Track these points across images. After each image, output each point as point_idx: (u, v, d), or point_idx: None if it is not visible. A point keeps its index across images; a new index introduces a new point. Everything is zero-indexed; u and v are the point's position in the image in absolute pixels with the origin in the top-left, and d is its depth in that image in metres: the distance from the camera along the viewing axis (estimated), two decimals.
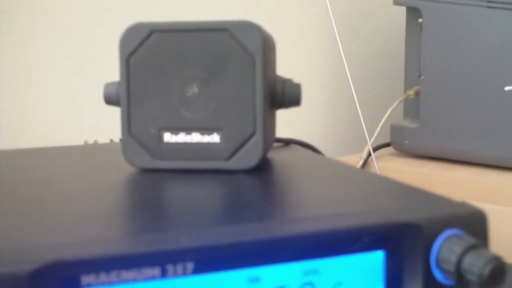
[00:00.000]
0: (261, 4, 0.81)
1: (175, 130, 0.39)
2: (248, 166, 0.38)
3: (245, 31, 0.38)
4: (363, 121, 0.70)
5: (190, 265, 0.24)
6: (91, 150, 0.49)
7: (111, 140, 0.58)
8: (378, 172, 0.68)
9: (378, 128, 0.72)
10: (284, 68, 0.55)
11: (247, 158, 0.39)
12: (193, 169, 0.39)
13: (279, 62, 0.45)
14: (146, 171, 0.39)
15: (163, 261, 0.24)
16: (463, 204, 0.30)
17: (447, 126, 0.68)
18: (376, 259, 0.28)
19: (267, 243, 0.26)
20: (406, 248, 0.28)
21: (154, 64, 0.38)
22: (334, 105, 0.89)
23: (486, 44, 0.64)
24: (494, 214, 0.39)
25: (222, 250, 0.25)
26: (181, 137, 0.39)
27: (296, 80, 0.42)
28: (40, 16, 0.64)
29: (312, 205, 0.31)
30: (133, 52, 0.38)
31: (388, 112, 0.72)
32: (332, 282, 0.27)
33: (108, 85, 0.40)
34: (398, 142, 0.72)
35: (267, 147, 0.40)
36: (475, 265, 0.26)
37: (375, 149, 0.73)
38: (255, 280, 0.26)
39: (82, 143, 0.57)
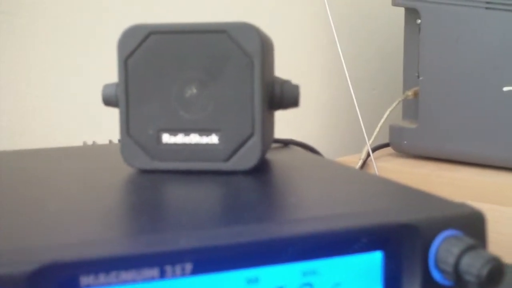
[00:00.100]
0: (260, 4, 0.81)
1: (173, 131, 0.39)
2: (246, 167, 0.39)
3: (244, 32, 0.38)
4: (362, 121, 0.70)
5: (188, 266, 0.24)
6: (90, 151, 0.49)
7: (110, 141, 0.58)
8: (377, 172, 0.68)
9: (377, 129, 0.72)
10: (283, 68, 0.55)
11: (246, 159, 0.39)
12: (191, 170, 0.39)
13: (277, 62, 0.45)
14: (144, 172, 0.39)
15: (162, 262, 0.24)
16: (462, 205, 0.30)
17: (446, 127, 0.68)
18: (374, 259, 0.28)
19: (266, 243, 0.26)
20: (404, 249, 0.28)
21: (153, 65, 0.38)
22: (333, 105, 0.89)
23: (484, 45, 0.64)
24: (493, 215, 0.39)
25: (221, 251, 0.25)
26: (180, 138, 0.39)
27: (294, 80, 0.43)
28: (40, 16, 0.64)
29: (310, 206, 0.31)
30: (131, 54, 0.38)
31: (387, 113, 0.72)
32: (331, 283, 0.27)
33: (106, 87, 0.40)
34: (397, 143, 0.72)
35: (265, 148, 0.40)
36: (473, 265, 0.26)
37: (374, 149, 0.73)
38: (253, 280, 0.26)
39: (81, 143, 0.57)
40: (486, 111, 0.65)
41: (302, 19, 0.85)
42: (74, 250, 0.24)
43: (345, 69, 0.71)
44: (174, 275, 0.24)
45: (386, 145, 0.75)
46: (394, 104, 0.72)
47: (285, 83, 0.41)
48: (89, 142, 0.57)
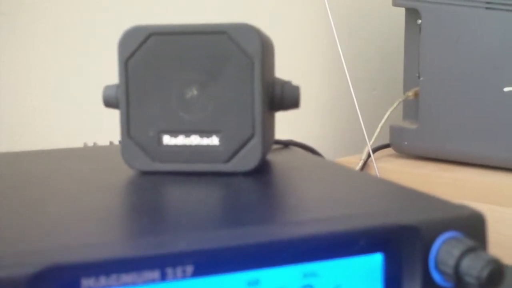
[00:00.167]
0: (260, 5, 0.81)
1: (174, 133, 0.39)
2: (247, 168, 0.39)
3: (244, 33, 0.38)
4: (363, 122, 0.70)
5: (189, 268, 0.24)
6: (90, 153, 0.49)
7: (111, 142, 0.58)
8: (377, 173, 0.68)
9: (378, 129, 0.72)
10: (283, 68, 0.55)
11: (246, 160, 0.39)
12: (192, 172, 0.39)
13: (278, 63, 0.45)
14: (145, 173, 0.39)
15: (163, 264, 0.24)
16: (462, 207, 0.30)
17: (446, 127, 0.68)
18: (375, 261, 0.28)
19: (266, 245, 0.26)
20: (404, 251, 0.28)
21: (153, 66, 0.38)
22: (333, 106, 0.89)
23: (485, 45, 0.64)
24: (494, 215, 0.39)
25: (222, 253, 0.25)
26: (180, 140, 0.39)
27: (294, 80, 0.43)
28: (40, 16, 0.64)
29: (311, 208, 0.31)
30: (131, 55, 0.38)
31: (388, 113, 0.72)
32: (331, 285, 0.27)
33: (107, 88, 0.40)
34: (398, 143, 0.73)
35: (266, 149, 0.40)
36: (473, 267, 0.26)
37: (375, 150, 0.73)
38: (254, 283, 0.26)
39: (82, 144, 0.57)
40: (486, 111, 0.65)
41: (302, 19, 0.85)
42: (75, 253, 0.24)
43: (345, 69, 0.71)
44: (175, 277, 0.24)
45: (386, 146, 0.75)
46: (394, 105, 0.72)
47: (285, 84, 0.41)
48: (90, 143, 0.57)
